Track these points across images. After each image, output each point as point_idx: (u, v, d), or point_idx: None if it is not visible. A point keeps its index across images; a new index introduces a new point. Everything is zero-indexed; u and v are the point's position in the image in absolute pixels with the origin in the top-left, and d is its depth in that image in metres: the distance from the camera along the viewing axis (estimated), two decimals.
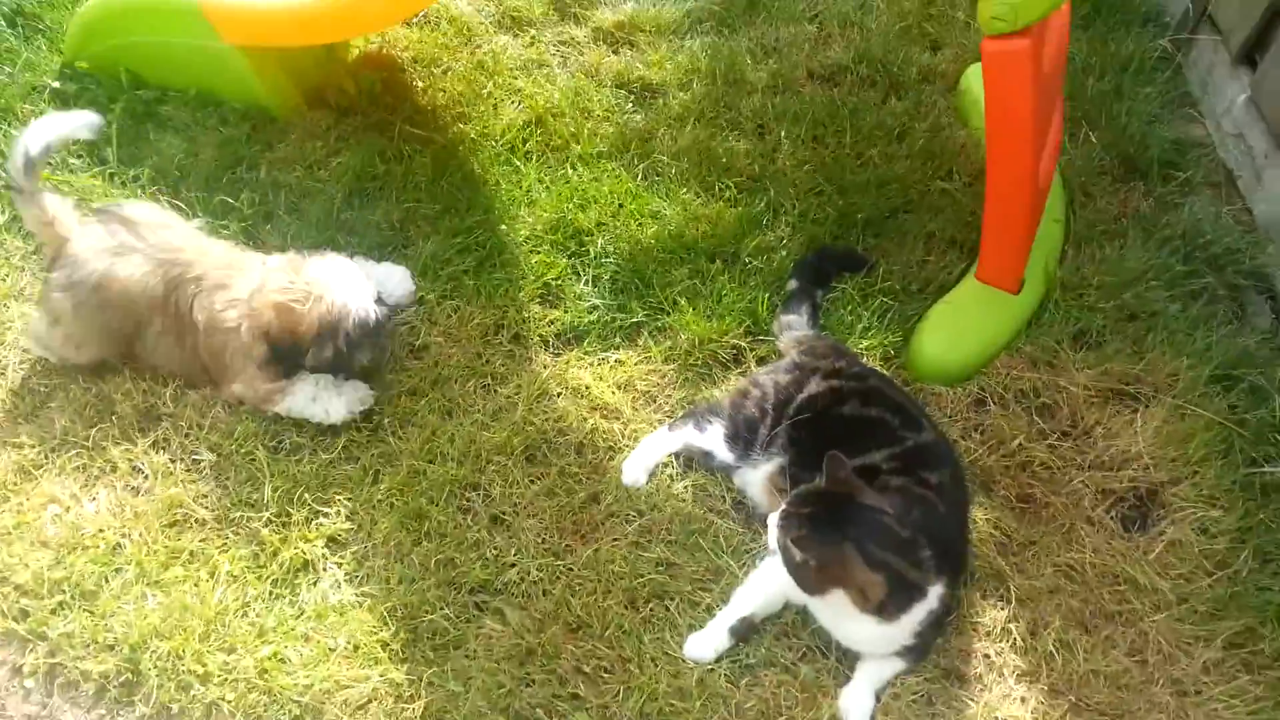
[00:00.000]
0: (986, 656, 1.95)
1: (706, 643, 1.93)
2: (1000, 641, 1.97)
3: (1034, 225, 2.42)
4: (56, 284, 2.26)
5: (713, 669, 1.90)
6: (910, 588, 1.80)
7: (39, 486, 2.16)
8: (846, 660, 1.92)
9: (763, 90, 3.08)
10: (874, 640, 1.86)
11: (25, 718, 1.89)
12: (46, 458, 2.20)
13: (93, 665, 1.92)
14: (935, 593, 1.83)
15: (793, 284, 2.50)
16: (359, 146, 2.82)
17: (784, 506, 1.83)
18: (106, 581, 2.02)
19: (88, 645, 1.94)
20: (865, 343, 2.43)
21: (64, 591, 2.00)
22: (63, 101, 2.88)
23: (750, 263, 2.59)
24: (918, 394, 2.33)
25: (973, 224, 2.39)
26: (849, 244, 2.64)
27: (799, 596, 1.88)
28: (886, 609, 1.79)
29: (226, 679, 1.90)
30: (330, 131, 2.86)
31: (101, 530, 2.08)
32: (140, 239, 2.27)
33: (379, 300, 2.24)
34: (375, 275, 2.38)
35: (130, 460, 2.19)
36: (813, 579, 1.79)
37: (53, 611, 1.98)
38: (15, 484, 2.16)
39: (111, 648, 1.93)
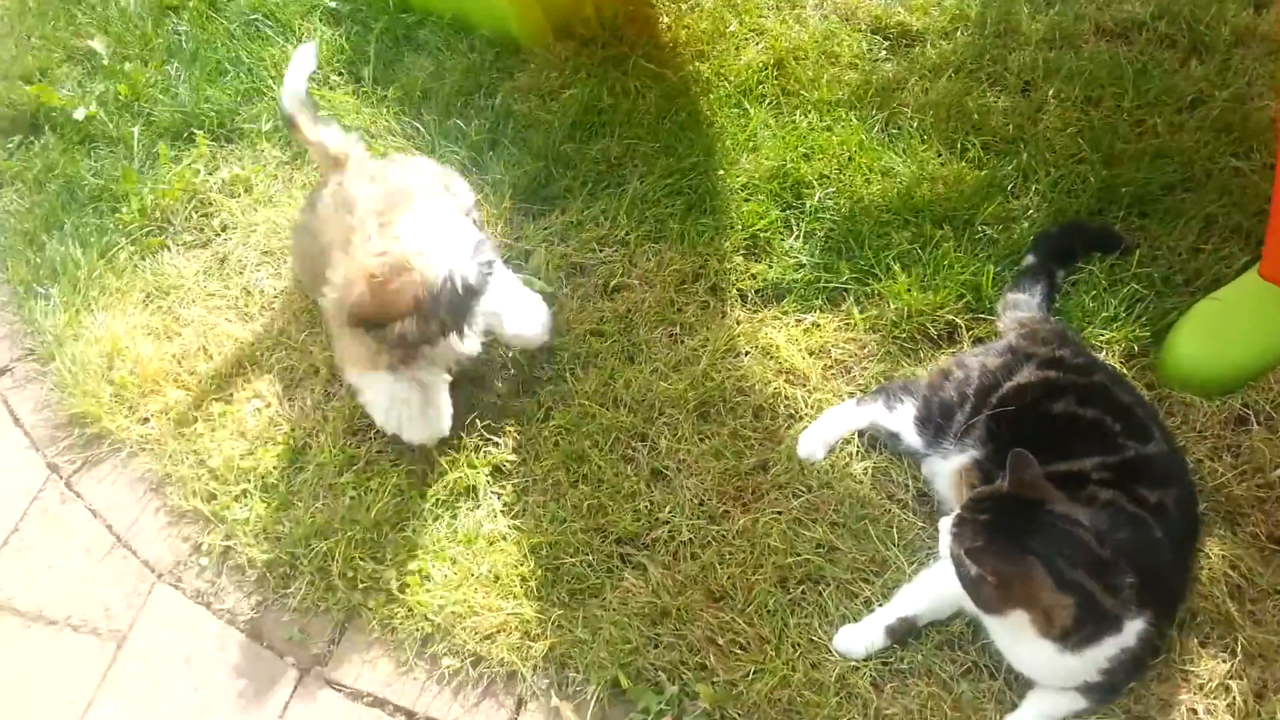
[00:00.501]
0: (1193, 711, 1.65)
1: (858, 638, 1.76)
2: (1215, 698, 1.66)
3: None
4: (310, 200, 2.23)
5: (858, 667, 1.73)
6: (1102, 617, 1.53)
7: (249, 380, 2.32)
8: (1017, 686, 1.68)
9: (1036, 44, 2.72)
10: (1050, 670, 1.61)
11: (196, 592, 2.06)
12: (261, 355, 2.36)
13: (259, 553, 2.05)
14: (1134, 629, 1.55)
15: (1030, 259, 2.19)
16: (590, 79, 2.78)
17: (958, 511, 1.60)
18: (287, 477, 2.14)
19: (258, 534, 2.07)
20: (1106, 334, 2.10)
21: (249, 480, 2.14)
22: (335, 21, 3.05)
23: (984, 232, 2.30)
24: (1161, 401, 1.99)
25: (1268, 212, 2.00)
26: (1106, 221, 2.28)
27: (974, 609, 1.66)
28: (1070, 637, 1.53)
29: (370, 587, 1.96)
30: (568, 63, 2.84)
31: (294, 429, 2.21)
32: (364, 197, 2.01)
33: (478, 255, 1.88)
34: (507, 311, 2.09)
35: (332, 366, 2.30)
36: (992, 597, 1.55)
37: (235, 498, 2.13)
38: (229, 375, 2.33)
39: (278, 539, 2.05)
